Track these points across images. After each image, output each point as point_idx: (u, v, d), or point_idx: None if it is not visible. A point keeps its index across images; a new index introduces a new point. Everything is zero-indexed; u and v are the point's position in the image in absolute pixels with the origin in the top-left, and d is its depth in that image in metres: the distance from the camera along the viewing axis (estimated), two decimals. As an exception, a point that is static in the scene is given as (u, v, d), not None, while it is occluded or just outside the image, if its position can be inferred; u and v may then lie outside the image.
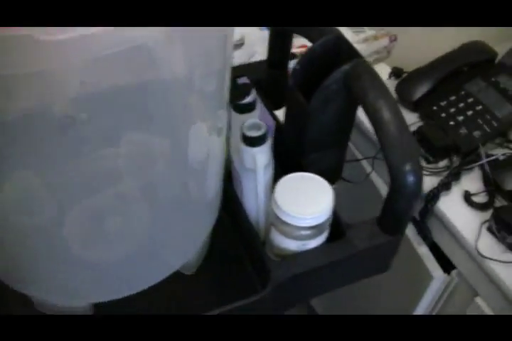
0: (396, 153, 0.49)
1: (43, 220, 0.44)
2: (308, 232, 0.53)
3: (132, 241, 0.50)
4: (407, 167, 0.49)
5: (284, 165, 0.64)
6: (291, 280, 0.53)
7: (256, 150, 0.47)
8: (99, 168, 0.44)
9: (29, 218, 0.44)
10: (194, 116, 0.43)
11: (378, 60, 1.15)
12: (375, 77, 0.49)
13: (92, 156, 0.43)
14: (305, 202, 0.52)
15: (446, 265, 0.83)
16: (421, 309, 0.91)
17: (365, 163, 0.88)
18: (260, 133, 0.46)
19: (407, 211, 0.53)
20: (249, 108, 0.51)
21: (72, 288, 0.51)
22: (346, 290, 0.61)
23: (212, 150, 0.47)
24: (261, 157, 0.48)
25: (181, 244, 0.53)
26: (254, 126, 0.47)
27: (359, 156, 0.91)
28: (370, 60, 1.15)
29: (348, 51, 0.53)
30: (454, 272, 0.83)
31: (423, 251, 0.83)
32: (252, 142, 0.47)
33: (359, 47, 1.11)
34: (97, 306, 0.53)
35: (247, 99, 0.50)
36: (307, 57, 0.53)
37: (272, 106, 0.65)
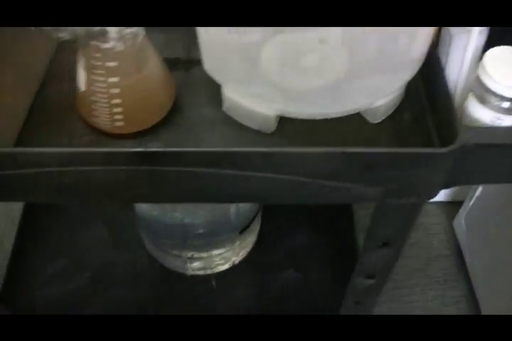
0: None
1: (249, 40, 0.50)
2: (508, 104, 0.51)
3: (324, 77, 0.53)
4: None
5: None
6: (475, 148, 0.51)
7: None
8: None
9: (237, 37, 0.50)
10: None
11: None
12: None
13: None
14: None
15: None
16: None
17: None
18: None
19: None
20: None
21: (263, 96, 0.55)
22: None
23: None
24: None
25: (370, 89, 0.55)
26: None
27: None
28: None
29: None
30: None
31: None
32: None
33: None
34: (281, 124, 0.57)
35: None
36: None
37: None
